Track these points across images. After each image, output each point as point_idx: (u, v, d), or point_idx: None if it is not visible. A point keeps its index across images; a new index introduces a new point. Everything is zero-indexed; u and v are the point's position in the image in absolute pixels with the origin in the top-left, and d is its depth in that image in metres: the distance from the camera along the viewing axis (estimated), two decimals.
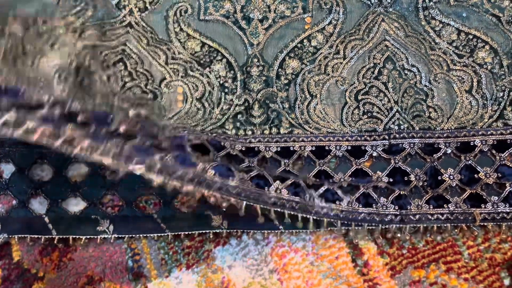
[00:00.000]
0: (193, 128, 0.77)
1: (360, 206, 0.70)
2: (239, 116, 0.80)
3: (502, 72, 0.81)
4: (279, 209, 0.68)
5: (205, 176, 0.64)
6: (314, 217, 0.69)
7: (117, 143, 0.58)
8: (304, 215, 0.69)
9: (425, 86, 0.81)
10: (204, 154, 0.71)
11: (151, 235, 0.73)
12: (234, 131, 0.78)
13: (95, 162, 0.76)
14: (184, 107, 0.80)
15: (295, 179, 0.70)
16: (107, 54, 0.81)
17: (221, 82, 0.82)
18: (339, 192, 0.70)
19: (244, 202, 0.66)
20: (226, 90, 0.82)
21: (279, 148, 0.76)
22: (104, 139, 0.58)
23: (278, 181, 0.69)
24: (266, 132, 0.78)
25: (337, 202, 0.70)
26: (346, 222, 0.70)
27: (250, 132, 0.78)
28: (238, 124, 0.79)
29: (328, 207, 0.69)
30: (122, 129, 0.63)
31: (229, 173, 0.66)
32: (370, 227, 0.70)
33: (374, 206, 0.70)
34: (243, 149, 0.75)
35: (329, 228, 0.72)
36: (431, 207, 0.70)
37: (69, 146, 0.55)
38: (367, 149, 0.77)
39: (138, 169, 0.58)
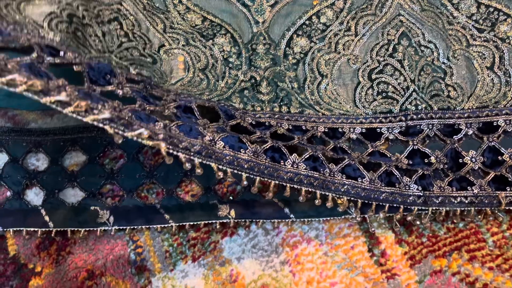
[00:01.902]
0: (198, 95, 0.72)
1: (383, 185, 0.65)
2: (245, 91, 0.75)
3: None
4: (296, 186, 0.62)
5: (214, 148, 0.58)
6: (334, 195, 0.63)
7: (115, 106, 0.53)
8: (323, 193, 0.63)
9: (443, 63, 0.76)
10: (214, 121, 0.65)
11: (154, 226, 0.69)
12: (241, 105, 0.73)
13: (93, 151, 0.73)
14: (187, 76, 0.75)
15: (313, 152, 0.64)
16: (101, 9, 0.75)
17: (225, 56, 0.77)
18: (361, 168, 0.65)
19: (258, 178, 0.60)
20: (230, 65, 0.77)
21: (290, 126, 0.71)
22: (100, 100, 0.52)
23: (295, 154, 0.63)
24: (276, 109, 0.73)
25: (359, 180, 0.64)
26: (366, 202, 0.64)
27: (259, 108, 0.73)
28: (245, 99, 0.74)
29: (349, 184, 0.63)
30: (119, 91, 0.57)
31: (241, 144, 0.60)
32: (389, 214, 0.66)
33: (397, 185, 0.65)
34: (254, 122, 0.70)
35: (343, 217, 0.68)
36: (454, 190, 0.66)
37: (63, 104, 0.48)
38: (382, 131, 0.72)
39: (139, 135, 0.51)
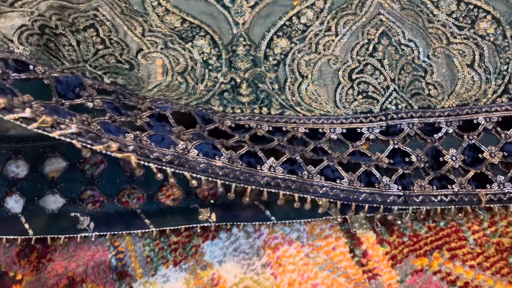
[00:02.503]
0: (176, 101, 0.71)
1: (362, 185, 0.64)
2: (225, 94, 0.74)
3: (506, 44, 0.75)
4: (273, 190, 0.61)
5: (187, 157, 0.57)
6: (312, 197, 0.62)
7: (84, 119, 0.52)
8: (302, 195, 0.62)
9: (424, 61, 0.76)
10: (190, 127, 0.65)
11: (135, 231, 0.68)
12: (221, 108, 0.73)
13: (73, 156, 0.73)
14: (165, 80, 0.75)
15: (291, 154, 0.63)
16: (76, 17, 0.74)
17: (205, 58, 0.77)
18: (340, 169, 0.64)
19: (234, 184, 0.60)
20: (210, 67, 0.76)
21: (271, 127, 0.71)
22: (68, 114, 0.52)
23: (272, 158, 0.62)
24: (256, 111, 0.73)
25: (338, 181, 0.64)
26: (346, 203, 0.64)
27: (238, 110, 0.73)
28: (224, 101, 0.74)
29: (328, 185, 0.63)
30: (89, 104, 0.57)
31: (215, 151, 0.60)
32: (369, 214, 0.66)
33: (376, 186, 0.65)
34: (233, 125, 0.69)
35: (324, 218, 0.67)
36: (435, 188, 0.66)
37: (28, 120, 0.48)
38: (363, 131, 0.72)
39: (108, 148, 0.51)
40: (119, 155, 0.52)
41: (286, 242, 0.68)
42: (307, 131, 0.71)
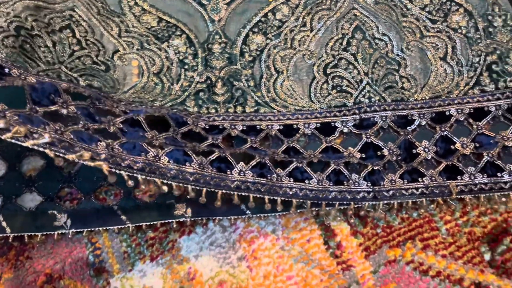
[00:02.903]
0: (151, 103, 0.72)
1: (331, 184, 0.66)
2: (201, 93, 0.75)
3: (478, 36, 0.76)
4: (243, 193, 0.63)
5: (158, 164, 0.60)
6: (282, 199, 0.64)
7: (57, 128, 0.54)
8: (271, 197, 0.64)
9: (397, 55, 0.77)
10: (164, 130, 0.66)
11: (112, 228, 0.69)
12: (196, 108, 0.73)
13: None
14: (140, 81, 0.75)
15: (260, 158, 0.65)
16: (52, 17, 0.75)
17: (181, 58, 0.77)
18: (309, 170, 0.66)
19: (204, 189, 0.62)
20: (186, 66, 0.77)
21: (245, 127, 0.72)
22: (41, 123, 0.53)
23: (241, 163, 0.65)
24: (231, 110, 0.74)
25: (307, 181, 0.65)
26: (316, 202, 0.66)
27: (213, 111, 0.73)
28: (200, 101, 0.74)
29: (297, 187, 0.65)
30: (64, 111, 0.58)
31: (186, 158, 0.62)
32: (342, 206, 0.66)
33: (345, 183, 0.66)
34: (207, 127, 0.70)
35: (299, 210, 0.68)
36: (405, 182, 0.67)
37: (2, 130, 0.50)
38: (337, 125, 0.72)
39: (80, 157, 0.53)
40: (91, 164, 0.53)
41: (262, 235, 0.68)
42: (281, 127, 0.72)
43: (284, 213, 0.69)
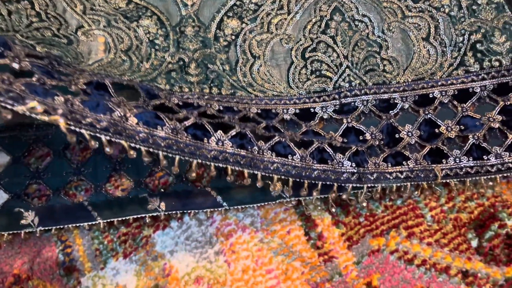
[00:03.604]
0: (119, 76, 0.67)
1: (315, 162, 0.61)
2: (173, 73, 0.71)
3: (461, 14, 0.73)
4: (221, 164, 0.57)
5: (125, 125, 0.53)
6: (263, 174, 0.59)
7: (4, 78, 0.47)
8: (251, 171, 0.58)
9: (378, 37, 0.73)
10: (133, 100, 0.59)
11: (83, 224, 0.66)
12: (168, 86, 0.69)
13: (17, 150, 0.70)
14: (107, 57, 0.71)
15: (241, 128, 0.60)
16: None
17: (151, 38, 0.73)
18: (292, 145, 0.61)
19: (178, 157, 0.55)
20: (157, 47, 0.73)
21: (221, 107, 0.67)
22: None
23: (220, 131, 0.58)
24: (206, 91, 0.70)
25: (289, 157, 0.60)
26: (298, 181, 0.61)
27: (187, 90, 0.69)
28: (172, 80, 0.70)
29: (279, 161, 0.60)
30: (15, 65, 0.51)
31: (157, 121, 0.55)
32: (322, 194, 0.63)
33: (329, 163, 0.62)
34: (180, 103, 0.65)
35: (278, 201, 0.65)
36: (389, 165, 0.64)
37: None
38: (316, 111, 0.69)
39: (32, 109, 0.46)
40: (46, 118, 0.47)
41: (240, 228, 0.65)
42: (259, 111, 0.69)
43: (262, 203, 0.66)
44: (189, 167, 0.60)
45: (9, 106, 0.46)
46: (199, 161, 0.56)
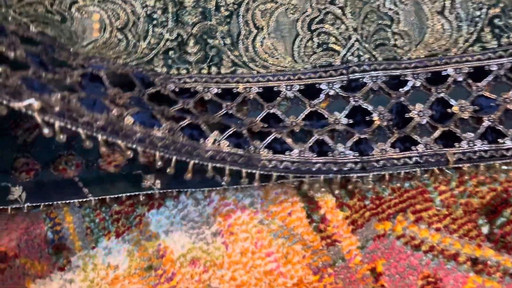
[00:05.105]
0: (113, 60, 0.64)
1: (314, 156, 0.59)
2: (170, 52, 0.67)
3: None
4: (218, 165, 0.56)
5: (122, 125, 0.51)
6: (261, 172, 0.58)
7: (1, 72, 0.45)
8: (249, 170, 0.57)
9: (390, 9, 0.69)
10: (128, 90, 0.59)
11: (73, 201, 0.62)
12: (164, 69, 0.66)
13: (3, 122, 0.66)
14: (102, 36, 0.67)
15: (237, 127, 0.59)
16: None
17: (149, 12, 0.69)
18: (289, 141, 0.59)
19: (174, 158, 0.54)
20: (155, 22, 0.68)
21: (219, 90, 0.65)
22: None
23: (216, 131, 0.58)
24: (204, 71, 0.66)
25: (287, 153, 0.59)
26: (299, 175, 0.59)
27: (184, 71, 0.66)
28: (169, 61, 0.67)
29: (276, 159, 0.58)
30: (10, 53, 0.49)
31: (154, 121, 0.54)
32: (327, 177, 0.60)
33: (330, 154, 0.59)
34: (177, 89, 0.63)
35: (280, 181, 0.62)
36: (397, 151, 0.60)
37: None
38: (322, 87, 0.65)
39: (29, 106, 0.44)
40: (39, 119, 0.45)
41: (239, 209, 0.62)
42: (261, 90, 0.65)
43: (263, 184, 0.62)
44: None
45: (5, 102, 0.44)
46: (196, 161, 0.55)
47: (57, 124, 0.47)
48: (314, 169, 0.59)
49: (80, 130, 0.48)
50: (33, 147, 0.65)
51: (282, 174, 0.59)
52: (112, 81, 0.59)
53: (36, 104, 0.45)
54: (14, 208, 0.61)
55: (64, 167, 0.64)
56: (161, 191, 0.62)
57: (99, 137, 0.50)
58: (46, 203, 0.62)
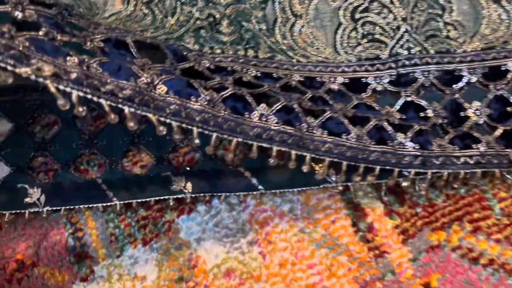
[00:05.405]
0: (140, 32, 0.58)
1: (372, 143, 0.53)
2: (202, 31, 0.62)
3: None
4: (265, 144, 0.50)
5: (153, 95, 0.45)
6: (313, 155, 0.51)
7: (3, 31, 0.39)
8: (300, 153, 0.51)
9: None
10: (158, 64, 0.51)
11: (96, 205, 0.57)
12: (197, 46, 0.60)
13: (20, 117, 0.61)
14: (126, 9, 0.61)
15: (287, 101, 0.51)
16: None
17: None
18: (346, 122, 0.53)
19: (215, 135, 0.48)
20: (183, 0, 0.63)
21: (259, 73, 0.59)
22: None
23: (263, 105, 0.50)
24: (241, 53, 0.60)
25: (344, 136, 0.52)
26: (353, 164, 0.53)
27: (219, 51, 0.60)
28: (201, 40, 0.61)
29: (332, 141, 0.51)
30: (18, 14, 0.43)
31: (191, 91, 0.47)
32: (378, 180, 0.55)
33: (389, 143, 0.53)
34: (212, 67, 0.57)
35: (322, 186, 0.57)
36: (457, 148, 0.54)
37: None
38: (369, 81, 0.60)
39: (38, 71, 0.38)
40: (52, 88, 0.39)
41: (277, 216, 0.57)
42: (302, 79, 0.59)
43: (303, 188, 0.57)
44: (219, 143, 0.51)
45: (9, 67, 0.37)
46: (240, 139, 0.48)
47: (75, 93, 0.41)
48: (371, 158, 0.52)
49: (103, 101, 0.42)
50: (52, 145, 0.61)
51: (336, 160, 0.52)
52: (140, 50, 0.52)
53: (48, 68, 0.39)
54: (32, 212, 0.57)
55: (85, 168, 0.60)
56: (193, 195, 0.57)
57: (126, 109, 0.43)
58: (67, 207, 0.57)
